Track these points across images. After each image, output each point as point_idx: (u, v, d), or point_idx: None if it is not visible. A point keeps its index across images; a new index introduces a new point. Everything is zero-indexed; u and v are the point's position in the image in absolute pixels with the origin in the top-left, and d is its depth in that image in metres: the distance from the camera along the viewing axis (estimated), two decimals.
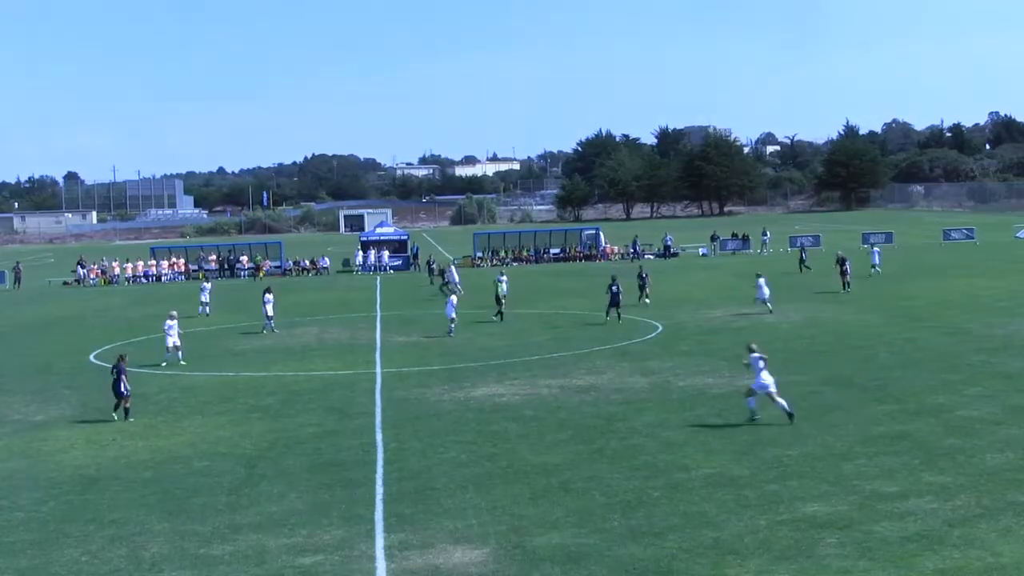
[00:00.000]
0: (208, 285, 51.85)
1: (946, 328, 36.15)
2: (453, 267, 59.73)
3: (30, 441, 24.56)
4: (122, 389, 26.09)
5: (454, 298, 40.87)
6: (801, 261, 61.53)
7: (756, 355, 23.54)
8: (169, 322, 34.92)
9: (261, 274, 73.08)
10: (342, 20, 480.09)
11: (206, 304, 49.40)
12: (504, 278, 47.81)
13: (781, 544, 15.37)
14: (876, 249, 59.69)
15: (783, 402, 23.00)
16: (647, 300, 45.45)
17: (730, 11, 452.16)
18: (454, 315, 39.59)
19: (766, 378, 23.12)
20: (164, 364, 34.22)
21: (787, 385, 27.19)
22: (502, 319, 42.49)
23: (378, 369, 32.73)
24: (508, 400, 26.97)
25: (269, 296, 42.94)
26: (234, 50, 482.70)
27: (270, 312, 42.43)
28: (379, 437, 23.39)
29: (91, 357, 37.31)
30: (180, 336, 35.11)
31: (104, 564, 15.91)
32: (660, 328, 38.76)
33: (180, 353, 34.74)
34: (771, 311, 41.24)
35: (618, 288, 40.52)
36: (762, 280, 42.76)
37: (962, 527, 15.72)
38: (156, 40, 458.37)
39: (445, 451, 21.87)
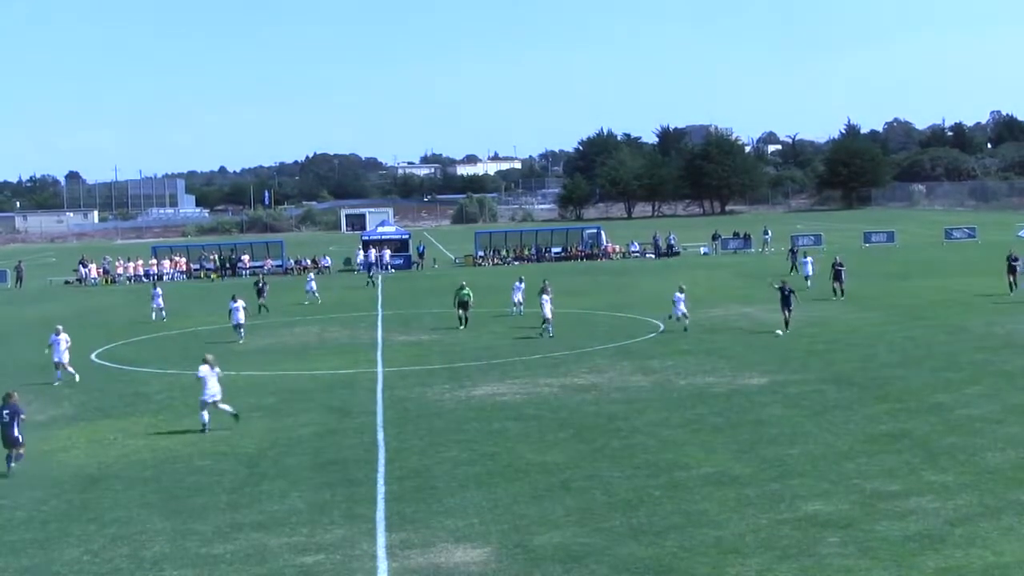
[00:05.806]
0: (159, 291, 48.82)
1: (947, 326, 36.14)
2: (311, 275, 60.00)
3: (31, 440, 24.44)
4: (15, 434, 21.45)
5: (547, 296, 38.22)
6: (792, 256, 60.86)
7: (207, 367, 24.58)
8: (55, 336, 31.77)
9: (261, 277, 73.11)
10: (343, 19, 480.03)
11: (161, 309, 47.42)
12: (521, 285, 45.06)
13: (782, 543, 15.36)
14: (808, 259, 52.07)
15: (228, 407, 24.39)
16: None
17: (731, 10, 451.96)
18: (548, 314, 37.44)
19: (212, 389, 24.35)
20: (57, 383, 31.33)
21: (788, 384, 27.31)
22: (466, 325, 40.48)
23: (379, 368, 32.72)
24: (509, 399, 26.96)
25: (237, 303, 39.67)
26: (235, 49, 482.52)
27: (240, 319, 39.43)
28: (380, 436, 23.39)
29: (92, 356, 37.29)
30: (68, 350, 31.78)
31: (105, 563, 15.90)
32: (661, 327, 38.76)
33: (71, 369, 31.67)
34: (686, 328, 37.25)
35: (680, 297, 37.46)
36: (680, 295, 38.13)
37: (963, 526, 15.71)
38: (157, 39, 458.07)
39: (446, 450, 21.87)
